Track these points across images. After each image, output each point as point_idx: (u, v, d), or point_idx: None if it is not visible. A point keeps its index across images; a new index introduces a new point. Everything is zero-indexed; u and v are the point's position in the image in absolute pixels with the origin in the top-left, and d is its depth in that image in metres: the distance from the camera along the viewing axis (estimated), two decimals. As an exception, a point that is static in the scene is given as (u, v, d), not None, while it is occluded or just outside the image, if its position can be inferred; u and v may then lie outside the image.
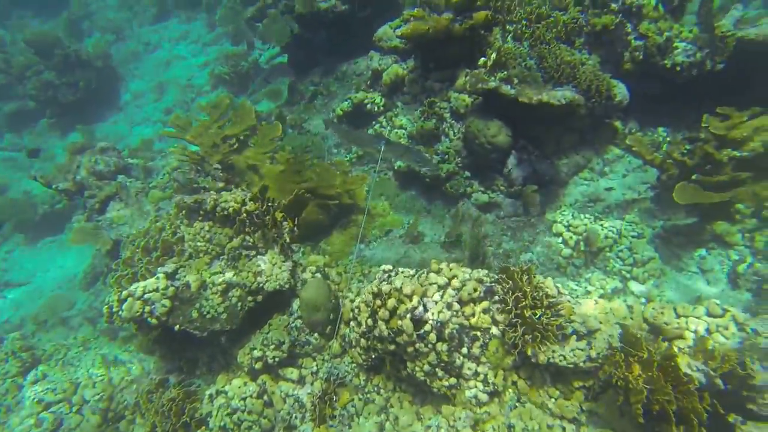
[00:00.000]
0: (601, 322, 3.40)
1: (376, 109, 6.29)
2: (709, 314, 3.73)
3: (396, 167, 5.89)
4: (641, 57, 5.55)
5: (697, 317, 3.73)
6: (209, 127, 5.84)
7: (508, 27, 5.61)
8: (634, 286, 4.92)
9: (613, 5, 5.41)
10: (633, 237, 5.07)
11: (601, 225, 4.93)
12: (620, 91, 5.33)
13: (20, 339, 5.90)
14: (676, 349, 3.11)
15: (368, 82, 6.63)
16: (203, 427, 4.31)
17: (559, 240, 5.15)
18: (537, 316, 3.20)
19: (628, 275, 4.91)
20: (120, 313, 4.27)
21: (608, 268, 4.91)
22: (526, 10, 5.26)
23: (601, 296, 4.69)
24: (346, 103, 6.47)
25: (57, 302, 7.48)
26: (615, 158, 5.71)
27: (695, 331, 3.59)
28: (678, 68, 5.39)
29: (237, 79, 10.43)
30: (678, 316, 3.69)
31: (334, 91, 7.47)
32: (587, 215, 5.18)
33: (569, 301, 3.49)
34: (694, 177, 4.79)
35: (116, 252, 6.59)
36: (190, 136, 5.75)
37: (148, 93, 12.44)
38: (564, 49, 5.03)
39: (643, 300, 4.90)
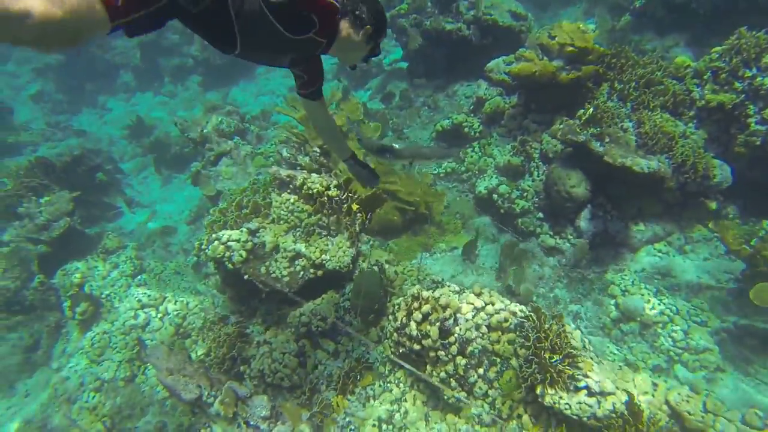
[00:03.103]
0: (617, 387, 3.50)
1: (472, 133, 6.66)
2: (745, 423, 3.63)
3: (477, 192, 6.20)
4: (759, 142, 5.28)
5: (729, 420, 3.64)
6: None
7: (616, 85, 5.65)
8: (680, 371, 4.76)
9: (738, 84, 5.21)
10: (694, 322, 4.89)
11: (660, 300, 4.84)
12: (721, 172, 5.14)
13: (136, 249, 7.23)
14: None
15: (471, 107, 6.99)
16: (245, 365, 5.06)
17: (612, 302, 5.14)
18: (552, 360, 3.40)
19: (676, 357, 4.77)
20: (206, 250, 5.14)
21: (656, 344, 4.81)
22: (638, 72, 5.28)
23: (630, 365, 4.63)
24: (447, 121, 6.92)
25: (166, 228, 8.88)
26: (701, 239, 5.48)
27: (721, 432, 3.52)
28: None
29: (359, 73, 11.34)
30: (706, 411, 3.64)
31: (441, 106, 7.95)
32: (649, 287, 5.09)
33: (591, 359, 3.62)
34: (782, 280, 4.53)
35: (217, 200, 7.72)
36: (299, 117, 6.55)
37: (280, 69, 13.95)
38: (666, 118, 5.00)
39: (686, 388, 4.73)
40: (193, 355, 5.61)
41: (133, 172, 11.32)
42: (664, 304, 4.77)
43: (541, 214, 6.05)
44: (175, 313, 5.90)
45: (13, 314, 6.31)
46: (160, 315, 5.90)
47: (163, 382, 3.76)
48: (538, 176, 6.08)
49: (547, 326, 3.57)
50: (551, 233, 5.95)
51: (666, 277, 5.27)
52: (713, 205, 5.42)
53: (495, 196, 6.17)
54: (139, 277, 6.78)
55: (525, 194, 6.07)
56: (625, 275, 5.26)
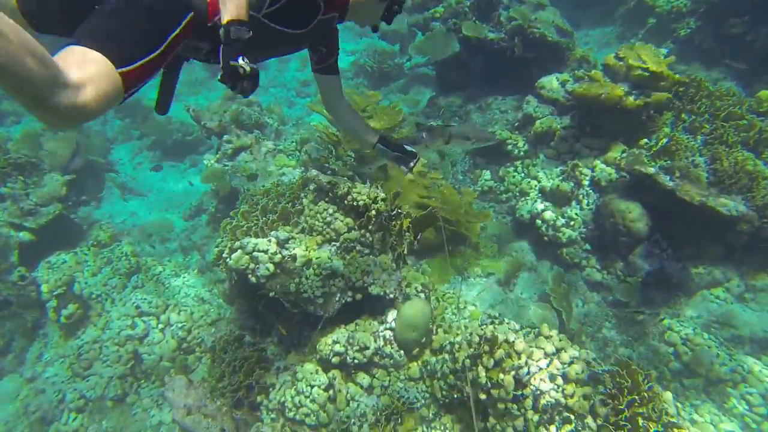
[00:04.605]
0: (719, 466, 3.05)
1: (516, 152, 6.19)
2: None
3: (518, 215, 5.75)
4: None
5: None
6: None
7: (683, 116, 5.29)
8: (760, 443, 4.30)
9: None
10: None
11: (730, 355, 4.43)
12: (799, 220, 4.80)
13: (132, 244, 6.46)
14: None
15: (516, 125, 6.54)
16: (263, 395, 4.42)
17: (670, 350, 4.72)
18: (653, 431, 2.92)
19: (754, 426, 4.27)
20: (228, 260, 4.49)
21: (726, 406, 4.35)
22: (715, 104, 4.91)
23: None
24: (487, 136, 6.44)
25: (162, 222, 8.11)
26: (765, 288, 5.11)
27: None
28: None
29: (378, 74, 10.81)
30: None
31: (472, 118, 7.47)
32: (711, 337, 4.69)
33: (688, 429, 3.17)
34: None
35: (230, 198, 7.01)
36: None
37: (293, 62, 13.22)
38: (747, 156, 4.63)
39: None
40: (196, 376, 4.94)
41: (126, 156, 10.46)
42: (734, 360, 4.37)
43: (588, 246, 5.62)
44: (179, 325, 5.20)
45: (-15, 310, 5.50)
46: (161, 326, 5.19)
47: (180, 423, 3.12)
48: (587, 205, 5.65)
49: (642, 388, 3.10)
50: (598, 267, 5.53)
51: (725, 326, 4.89)
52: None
53: (539, 221, 5.72)
54: (134, 277, 6.03)
55: (572, 223, 5.63)
56: (683, 321, 4.86)
